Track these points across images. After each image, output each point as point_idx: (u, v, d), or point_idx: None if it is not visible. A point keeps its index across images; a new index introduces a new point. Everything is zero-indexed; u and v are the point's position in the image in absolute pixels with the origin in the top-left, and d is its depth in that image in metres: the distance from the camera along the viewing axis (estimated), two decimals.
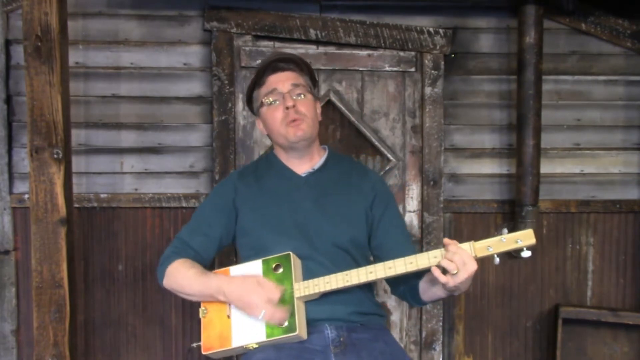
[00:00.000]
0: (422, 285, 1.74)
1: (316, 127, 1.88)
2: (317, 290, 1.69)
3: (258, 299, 1.66)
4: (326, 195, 1.85)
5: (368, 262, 1.87)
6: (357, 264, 1.80)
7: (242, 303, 1.69)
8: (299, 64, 1.87)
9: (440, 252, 1.60)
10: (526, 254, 1.57)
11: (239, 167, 2.80)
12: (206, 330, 1.77)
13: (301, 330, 1.67)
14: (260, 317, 1.66)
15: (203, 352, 1.75)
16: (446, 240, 1.59)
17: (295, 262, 1.73)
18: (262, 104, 1.87)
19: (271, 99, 1.84)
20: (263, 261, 1.74)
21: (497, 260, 1.59)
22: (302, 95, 1.84)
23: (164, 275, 1.83)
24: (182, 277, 1.79)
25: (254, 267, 1.75)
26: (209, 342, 1.75)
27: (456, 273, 1.54)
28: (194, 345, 1.81)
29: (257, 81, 1.87)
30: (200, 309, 1.79)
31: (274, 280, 1.71)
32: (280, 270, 1.72)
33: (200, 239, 1.86)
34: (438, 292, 1.68)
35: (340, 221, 1.81)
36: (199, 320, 1.79)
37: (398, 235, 1.87)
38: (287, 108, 1.80)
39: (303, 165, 1.90)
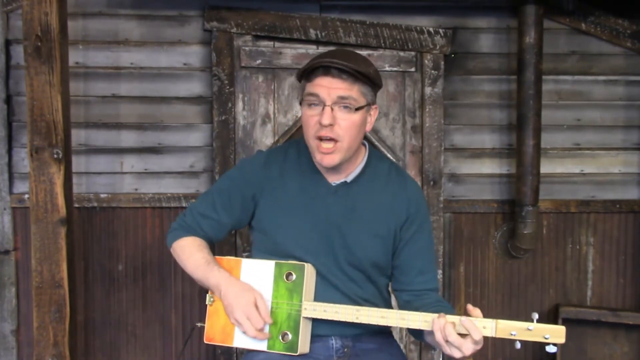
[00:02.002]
0: (427, 337, 1.65)
1: (354, 147, 1.66)
2: (324, 317, 1.64)
3: (243, 318, 1.64)
4: (355, 211, 1.71)
5: (387, 280, 1.82)
6: (373, 283, 1.76)
7: (229, 309, 1.67)
8: (353, 75, 1.60)
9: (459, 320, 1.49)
10: (551, 349, 1.46)
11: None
12: (210, 320, 1.75)
13: (303, 350, 1.65)
14: (241, 332, 1.66)
15: (205, 341, 1.75)
16: (470, 307, 1.49)
17: (309, 275, 1.67)
18: (303, 99, 1.66)
19: (311, 101, 1.63)
20: (276, 264, 1.69)
21: (518, 345, 1.48)
22: (347, 111, 1.61)
23: (171, 245, 1.84)
24: (186, 257, 1.77)
25: (266, 267, 1.71)
26: (211, 332, 1.74)
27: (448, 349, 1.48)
28: (199, 324, 1.81)
29: (307, 74, 1.65)
30: (207, 295, 1.77)
31: (283, 289, 1.67)
32: (292, 279, 1.67)
33: (211, 222, 1.80)
34: (437, 345, 1.59)
35: (364, 243, 1.71)
36: (201, 309, 1.78)
37: (420, 262, 1.76)
38: (323, 125, 1.60)
39: (336, 175, 1.74)
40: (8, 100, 2.80)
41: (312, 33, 2.82)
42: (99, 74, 2.84)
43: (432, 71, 2.87)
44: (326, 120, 1.59)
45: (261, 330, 1.64)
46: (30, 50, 2.15)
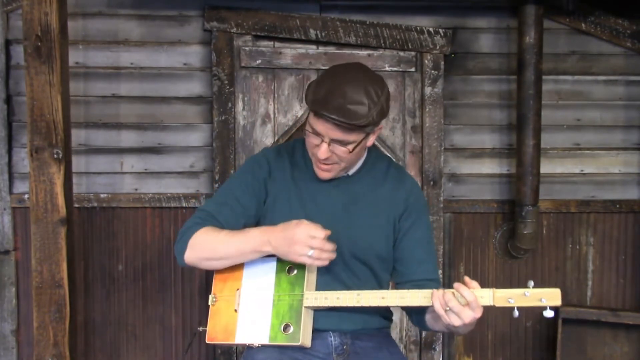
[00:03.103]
0: (429, 313, 1.68)
1: (353, 162, 1.73)
2: (326, 304, 1.66)
3: (304, 235, 1.56)
4: (355, 204, 1.76)
5: (389, 274, 1.83)
6: (376, 277, 1.77)
7: (288, 243, 1.59)
8: (351, 126, 1.59)
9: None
10: (548, 313, 1.49)
11: (239, 167, 2.79)
12: (212, 320, 1.76)
13: (305, 340, 1.65)
14: (310, 254, 1.58)
15: (207, 341, 1.75)
16: (467, 279, 1.52)
17: (311, 267, 1.68)
18: (307, 124, 1.68)
19: (311, 132, 1.64)
20: (278, 259, 1.71)
21: (516, 313, 1.51)
22: (344, 146, 1.63)
23: (185, 248, 1.70)
24: (213, 240, 1.68)
25: (268, 262, 1.72)
26: (214, 332, 1.75)
27: (447, 318, 1.50)
28: (200, 329, 1.81)
29: (313, 106, 1.62)
30: (210, 296, 1.77)
31: (285, 282, 1.69)
32: (294, 272, 1.68)
33: (227, 212, 1.74)
34: (440, 326, 1.63)
35: (365, 234, 1.74)
36: (199, 321, 1.79)
37: (419, 252, 1.77)
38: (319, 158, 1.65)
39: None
40: (8, 100, 2.80)
41: (312, 33, 2.82)
42: (99, 74, 2.84)
43: (432, 71, 2.87)
44: (322, 155, 1.63)
45: (325, 241, 1.59)
46: (30, 50, 2.15)
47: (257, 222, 1.82)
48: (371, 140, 1.72)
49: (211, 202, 1.79)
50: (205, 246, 1.69)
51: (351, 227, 1.74)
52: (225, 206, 1.75)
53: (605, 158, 2.99)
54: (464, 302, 1.49)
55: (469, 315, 1.50)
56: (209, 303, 1.77)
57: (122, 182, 2.87)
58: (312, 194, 1.76)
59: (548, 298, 1.48)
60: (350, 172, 1.78)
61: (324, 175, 1.71)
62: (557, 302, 1.48)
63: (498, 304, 1.51)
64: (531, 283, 1.50)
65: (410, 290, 1.60)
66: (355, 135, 1.62)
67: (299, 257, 1.59)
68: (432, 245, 1.85)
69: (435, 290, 1.53)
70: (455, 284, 1.51)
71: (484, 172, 2.97)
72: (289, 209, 1.74)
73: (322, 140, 1.63)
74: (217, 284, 1.79)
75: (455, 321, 1.50)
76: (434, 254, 1.85)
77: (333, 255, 1.60)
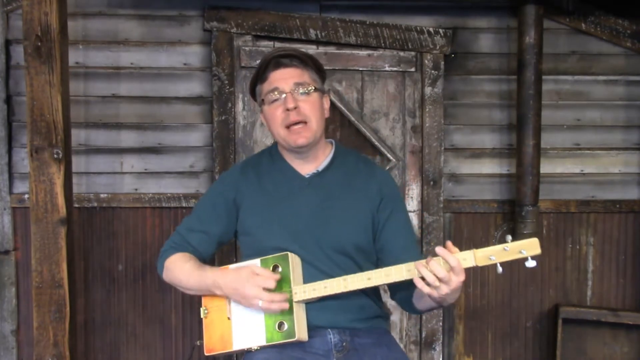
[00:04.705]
0: (416, 293, 1.69)
1: (321, 128, 1.78)
2: (315, 295, 1.67)
3: (253, 289, 1.64)
4: (330, 199, 1.78)
5: (374, 266, 1.83)
6: (361, 269, 1.76)
7: (238, 295, 1.68)
8: (302, 60, 1.77)
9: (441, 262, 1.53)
10: (530, 263, 1.50)
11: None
12: (208, 331, 1.76)
13: (301, 334, 1.66)
14: (260, 305, 1.64)
15: (206, 354, 1.75)
16: (449, 243, 1.53)
17: (294, 263, 1.70)
18: (263, 101, 1.79)
19: (272, 98, 1.75)
20: (262, 260, 1.73)
21: (500, 269, 1.52)
22: (307, 94, 1.75)
23: (163, 268, 1.84)
24: (179, 271, 1.79)
25: (250, 265, 1.73)
26: (211, 343, 1.75)
27: (438, 285, 1.50)
28: (198, 342, 1.81)
29: (259, 76, 1.79)
30: (201, 309, 1.78)
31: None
32: (279, 271, 1.70)
33: (199, 236, 1.84)
34: (429, 302, 1.64)
35: (344, 227, 1.76)
36: (200, 320, 1.79)
37: (401, 240, 1.80)
38: (288, 109, 1.72)
39: (307, 166, 1.83)
40: (8, 100, 2.80)
41: (312, 33, 2.82)
42: (99, 74, 2.84)
43: (432, 71, 2.87)
44: (291, 104, 1.72)
45: (274, 293, 1.64)
46: (30, 50, 2.15)
47: (235, 235, 1.88)
48: (326, 106, 1.82)
49: (186, 225, 1.88)
50: (174, 275, 1.81)
51: (329, 222, 1.76)
52: (196, 231, 1.85)
53: (605, 158, 2.99)
54: (447, 268, 1.50)
55: (455, 281, 1.51)
56: (201, 316, 1.78)
57: (122, 182, 2.87)
58: (285, 197, 1.79)
59: (527, 248, 1.50)
60: (320, 168, 1.82)
61: (299, 139, 1.74)
62: (537, 250, 1.49)
63: (480, 264, 1.52)
64: (509, 237, 1.52)
65: (394, 266, 1.61)
66: (309, 74, 1.77)
67: (250, 307, 1.68)
68: (412, 230, 1.90)
69: (417, 262, 1.54)
70: (438, 249, 1.51)
71: (484, 172, 2.97)
72: (262, 217, 1.79)
73: (284, 93, 1.73)
74: (206, 296, 1.80)
75: (443, 289, 1.51)
76: (414, 239, 1.90)
77: (285, 305, 1.64)
